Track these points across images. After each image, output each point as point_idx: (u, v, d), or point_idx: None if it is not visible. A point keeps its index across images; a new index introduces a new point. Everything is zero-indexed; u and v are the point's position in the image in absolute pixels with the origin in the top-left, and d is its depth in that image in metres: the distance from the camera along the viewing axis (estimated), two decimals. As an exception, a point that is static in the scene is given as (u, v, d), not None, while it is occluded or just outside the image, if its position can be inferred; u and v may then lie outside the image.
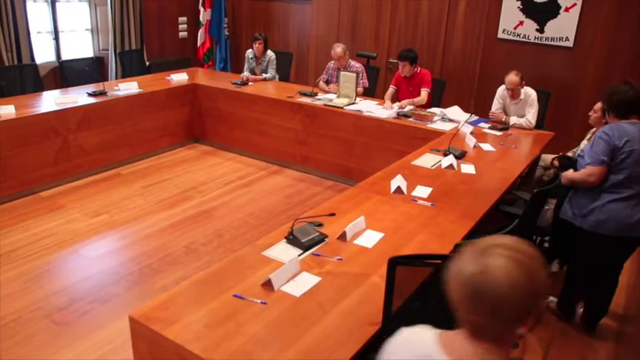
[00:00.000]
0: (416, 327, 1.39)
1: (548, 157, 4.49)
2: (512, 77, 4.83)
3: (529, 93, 4.92)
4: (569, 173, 3.27)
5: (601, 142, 3.05)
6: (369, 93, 6.04)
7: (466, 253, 1.23)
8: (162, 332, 1.98)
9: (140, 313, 2.09)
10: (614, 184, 3.07)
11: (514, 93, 4.92)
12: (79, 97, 5.45)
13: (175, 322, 2.04)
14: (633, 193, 3.06)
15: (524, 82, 4.89)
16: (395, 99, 5.72)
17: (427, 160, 4.06)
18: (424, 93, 5.56)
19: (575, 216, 3.23)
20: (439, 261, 2.11)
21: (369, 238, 2.77)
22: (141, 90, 5.88)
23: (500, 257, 1.17)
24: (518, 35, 5.97)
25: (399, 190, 3.39)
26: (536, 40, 5.88)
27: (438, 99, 5.81)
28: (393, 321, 2.02)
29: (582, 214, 3.18)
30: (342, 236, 2.74)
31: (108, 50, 7.24)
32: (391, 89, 5.80)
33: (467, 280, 1.19)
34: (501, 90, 5.07)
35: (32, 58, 6.31)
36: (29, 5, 6.27)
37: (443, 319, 2.18)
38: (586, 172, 3.11)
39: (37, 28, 6.57)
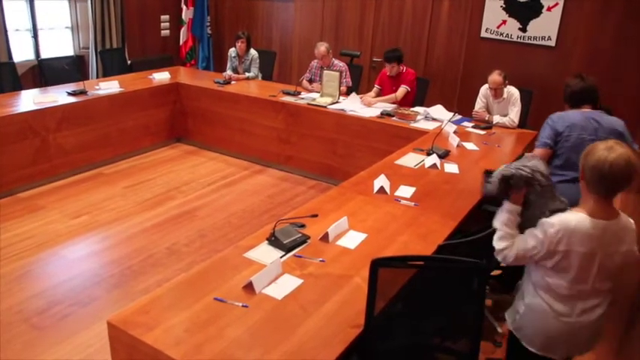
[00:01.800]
0: (563, 215, 2.09)
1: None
2: (495, 77, 4.85)
3: (512, 92, 4.93)
4: None
5: (546, 127, 3.37)
6: (353, 92, 6.02)
7: (598, 150, 2.01)
8: (141, 337, 1.94)
9: (119, 317, 2.05)
10: (558, 167, 3.34)
11: (497, 92, 4.93)
12: (58, 96, 5.37)
13: (155, 326, 2.00)
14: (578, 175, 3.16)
15: (507, 82, 4.91)
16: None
17: (410, 159, 4.05)
18: (401, 90, 5.55)
19: None
20: (422, 262, 2.11)
21: (352, 239, 2.75)
22: (122, 89, 5.81)
23: (622, 148, 1.99)
24: (501, 34, 6.00)
25: (382, 190, 3.38)
26: (518, 39, 5.92)
27: (421, 98, 5.81)
28: (375, 323, 2.01)
29: None
30: (325, 237, 2.72)
31: (88, 48, 7.14)
32: (375, 89, 5.79)
33: (612, 162, 1.96)
34: (484, 89, 5.08)
35: (10, 57, 6.20)
36: (6, 2, 6.15)
37: (424, 321, 2.18)
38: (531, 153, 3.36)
39: (14, 25, 6.45)
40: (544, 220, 2.11)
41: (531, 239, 2.13)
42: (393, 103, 5.52)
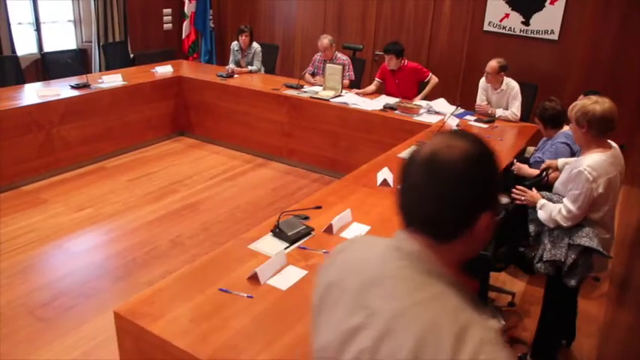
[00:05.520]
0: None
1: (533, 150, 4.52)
2: (492, 62, 4.82)
3: (512, 85, 4.92)
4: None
5: (567, 147, 3.64)
6: (355, 85, 6.02)
7: (593, 104, 2.56)
8: (147, 327, 1.96)
9: (125, 308, 2.06)
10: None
11: (491, 79, 4.89)
12: (61, 89, 5.37)
13: (161, 317, 2.02)
14: None
15: (503, 72, 4.88)
16: (381, 92, 5.72)
17: (413, 152, 4.05)
18: (433, 80, 5.61)
19: None
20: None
21: (356, 231, 2.76)
22: (125, 82, 5.81)
23: (600, 97, 2.62)
24: (504, 28, 5.99)
25: (385, 182, 3.39)
26: (521, 33, 5.91)
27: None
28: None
29: None
30: (329, 229, 2.73)
31: (91, 42, 7.14)
32: (376, 82, 5.79)
33: (611, 108, 2.58)
34: (483, 82, 5.07)
35: (13, 50, 6.21)
36: (9, -4, 6.16)
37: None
38: None
39: (17, 19, 6.45)
40: (575, 171, 2.60)
41: (573, 190, 2.61)
42: (406, 99, 5.46)
